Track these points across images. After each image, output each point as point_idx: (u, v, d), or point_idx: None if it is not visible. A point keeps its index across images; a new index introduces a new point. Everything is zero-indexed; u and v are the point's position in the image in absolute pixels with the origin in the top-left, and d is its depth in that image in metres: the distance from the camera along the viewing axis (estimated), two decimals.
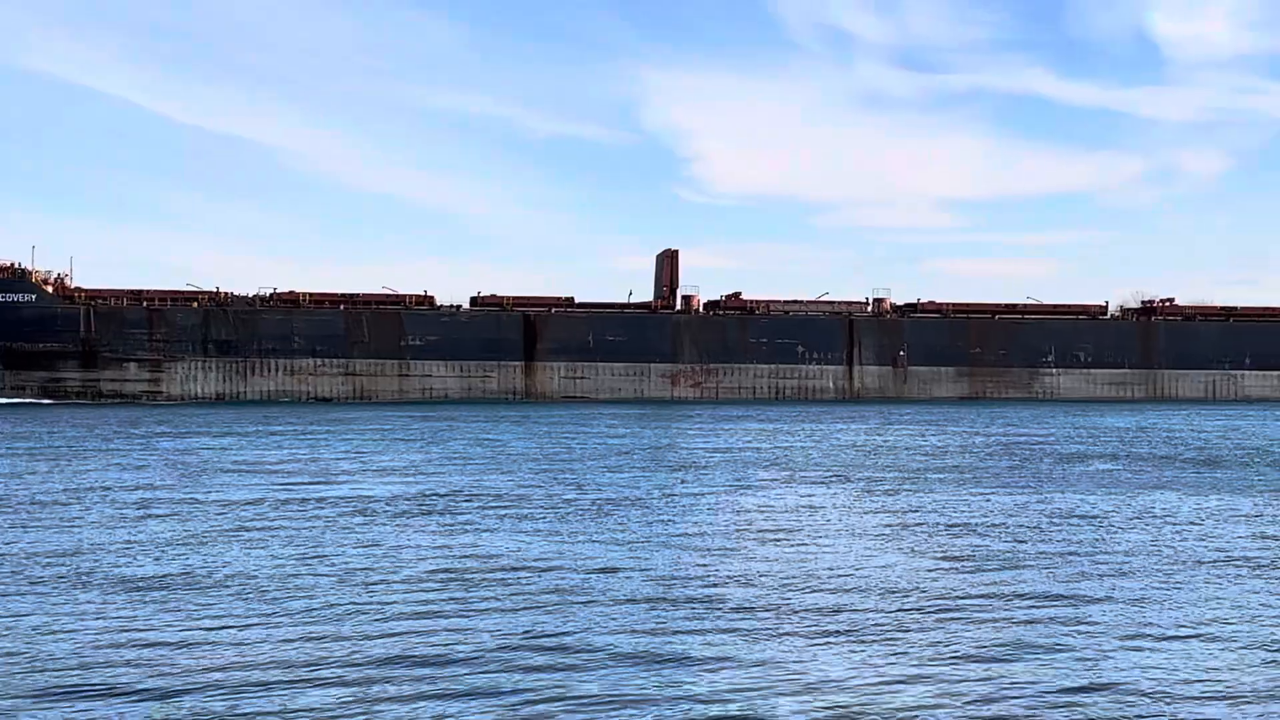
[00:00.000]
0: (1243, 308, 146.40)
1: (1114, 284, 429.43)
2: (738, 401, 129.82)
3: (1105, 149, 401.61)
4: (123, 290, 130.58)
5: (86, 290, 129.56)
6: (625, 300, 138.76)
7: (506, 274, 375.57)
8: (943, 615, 24.89)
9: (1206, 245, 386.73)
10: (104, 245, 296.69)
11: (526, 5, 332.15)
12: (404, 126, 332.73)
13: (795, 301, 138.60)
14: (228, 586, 27.35)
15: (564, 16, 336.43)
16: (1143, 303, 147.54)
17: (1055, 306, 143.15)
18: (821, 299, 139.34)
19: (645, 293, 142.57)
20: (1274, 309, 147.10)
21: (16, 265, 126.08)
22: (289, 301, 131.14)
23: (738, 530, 36.34)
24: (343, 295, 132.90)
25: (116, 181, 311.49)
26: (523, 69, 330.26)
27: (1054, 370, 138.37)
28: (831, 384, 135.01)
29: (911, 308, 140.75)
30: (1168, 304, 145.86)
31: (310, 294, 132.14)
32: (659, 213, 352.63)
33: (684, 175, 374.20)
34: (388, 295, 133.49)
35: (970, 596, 26.87)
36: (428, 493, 45.26)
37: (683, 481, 49.94)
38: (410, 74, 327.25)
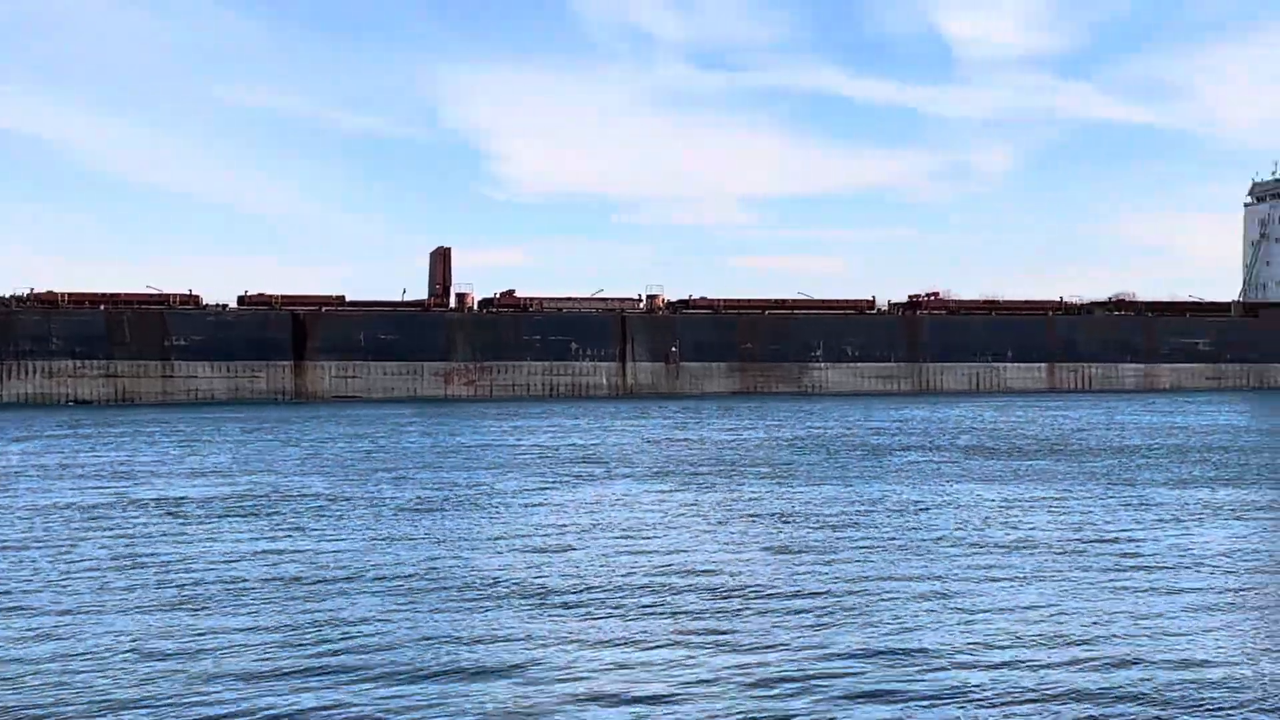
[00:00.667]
0: (1005, 301, 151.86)
1: (909, 280, 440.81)
2: (512, 399, 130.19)
3: (900, 147, 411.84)
4: None
5: None
6: (399, 299, 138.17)
7: (306, 273, 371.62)
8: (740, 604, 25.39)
9: (998, 241, 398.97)
10: None
11: (326, 1, 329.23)
12: (199, 122, 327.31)
13: (569, 299, 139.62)
14: None
15: (364, 13, 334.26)
16: (910, 297, 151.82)
17: (824, 302, 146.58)
18: (595, 296, 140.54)
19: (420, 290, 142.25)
20: (1034, 302, 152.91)
21: None
22: (46, 302, 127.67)
23: (546, 528, 36.75)
24: (104, 295, 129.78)
25: None
26: (322, 66, 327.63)
27: (822, 364, 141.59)
28: (605, 380, 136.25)
29: (684, 304, 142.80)
30: (933, 298, 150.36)
31: (70, 294, 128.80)
32: (462, 210, 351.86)
33: (486, 173, 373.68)
34: (151, 295, 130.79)
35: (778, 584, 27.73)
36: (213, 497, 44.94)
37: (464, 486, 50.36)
38: (207, 69, 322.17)
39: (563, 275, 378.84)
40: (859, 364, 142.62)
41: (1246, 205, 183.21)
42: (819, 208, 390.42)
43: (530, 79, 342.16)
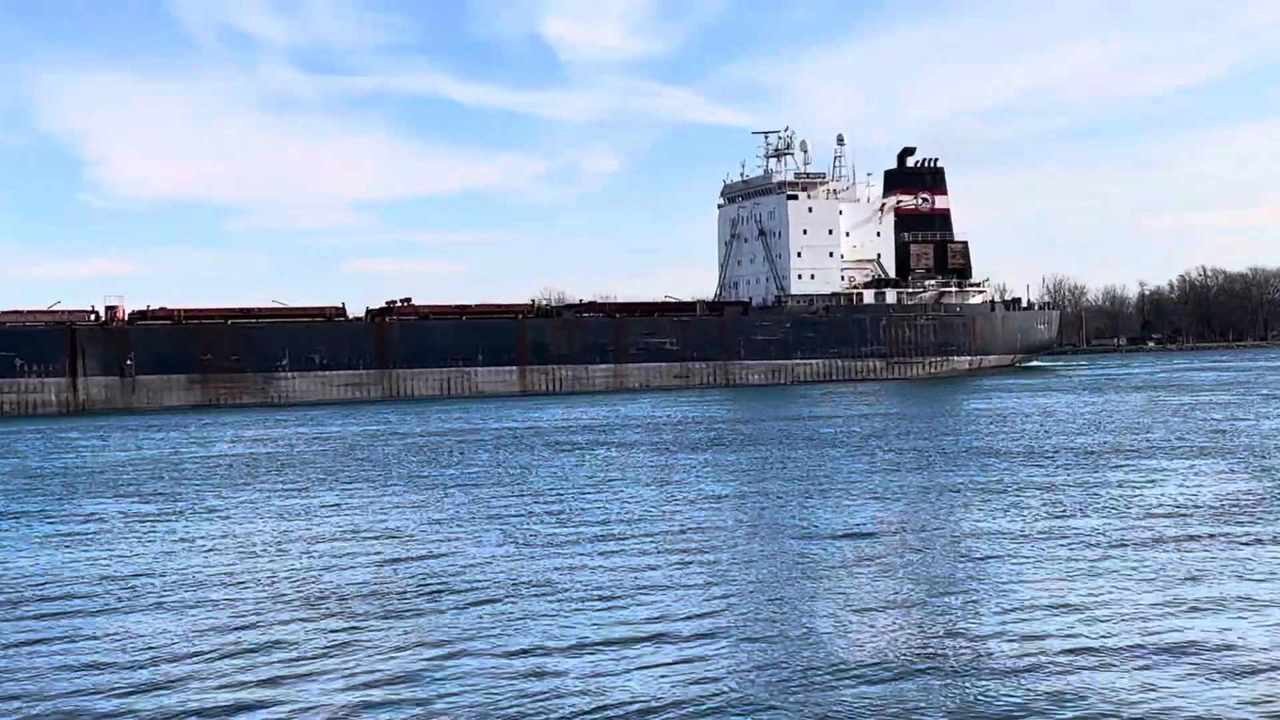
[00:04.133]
0: (475, 306, 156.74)
1: (524, 282, 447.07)
2: None
3: (510, 150, 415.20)
4: None
5: None
6: None
7: None
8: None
9: (606, 241, 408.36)
10: None
11: None
12: None
13: (13, 312, 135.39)
14: None
15: None
16: (386, 303, 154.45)
17: (291, 309, 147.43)
18: (44, 310, 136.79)
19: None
20: (503, 306, 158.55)
21: None
22: None
23: None
24: None
25: None
26: None
27: (289, 374, 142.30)
28: (54, 397, 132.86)
29: (141, 315, 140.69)
30: (405, 304, 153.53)
31: None
32: (61, 219, 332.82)
33: (85, 179, 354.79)
34: None
35: None
36: None
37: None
38: None
39: (179, 284, 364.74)
40: (327, 372, 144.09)
41: (720, 206, 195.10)
42: (429, 210, 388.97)
43: (128, 82, 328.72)
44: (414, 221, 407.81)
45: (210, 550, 37.61)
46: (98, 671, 23.51)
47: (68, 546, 39.09)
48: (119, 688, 22.30)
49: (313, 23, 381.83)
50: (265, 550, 37.26)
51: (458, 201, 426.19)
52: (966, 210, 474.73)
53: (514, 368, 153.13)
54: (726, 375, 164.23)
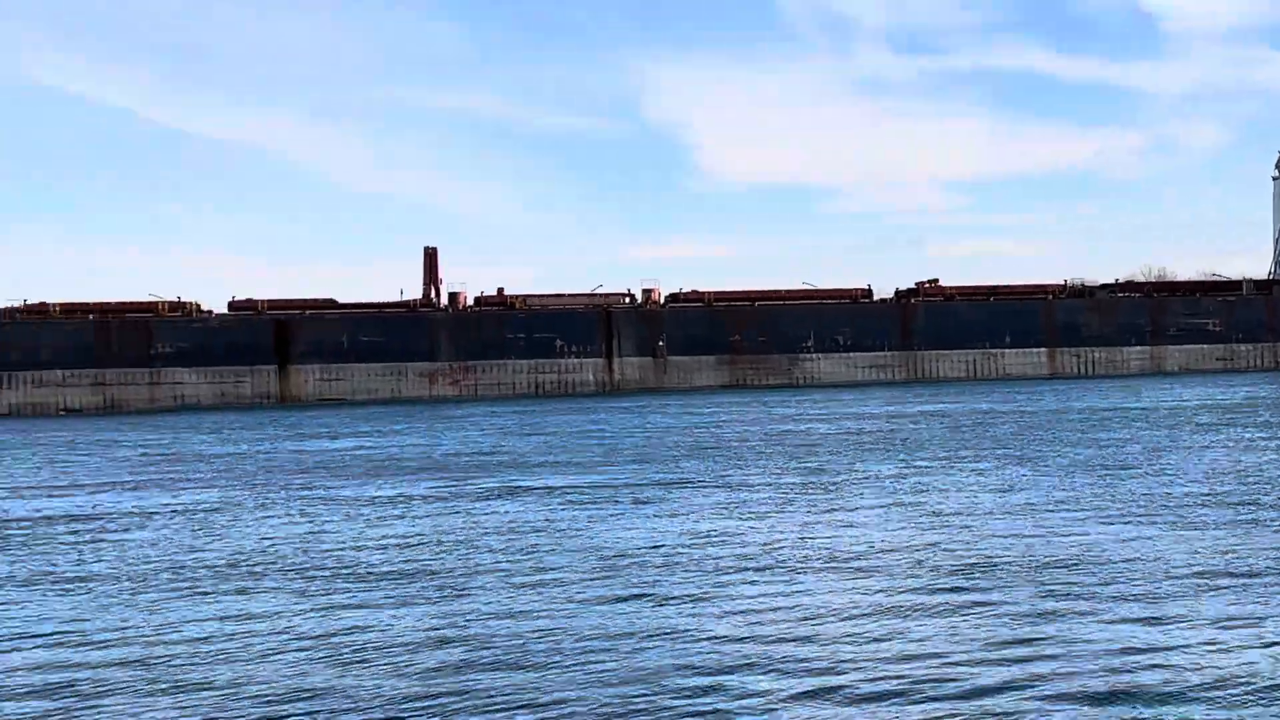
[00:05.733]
0: (1004, 287, 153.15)
1: (1116, 259, 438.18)
2: (497, 399, 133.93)
3: (1105, 124, 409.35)
4: None
5: None
6: (388, 300, 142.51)
7: (512, 272, 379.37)
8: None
9: (1203, 217, 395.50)
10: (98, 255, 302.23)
11: (523, 2, 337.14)
12: (401, 126, 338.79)
13: (555, 295, 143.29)
14: None
15: (562, 12, 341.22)
16: (915, 284, 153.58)
17: (816, 291, 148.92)
18: (583, 293, 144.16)
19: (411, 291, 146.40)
20: (1034, 286, 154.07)
21: None
22: (38, 312, 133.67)
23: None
24: (94, 304, 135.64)
25: (113, 190, 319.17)
26: (520, 65, 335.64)
27: (813, 355, 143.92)
28: (591, 377, 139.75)
29: (674, 297, 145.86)
30: (932, 285, 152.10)
31: (60, 304, 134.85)
32: (662, 204, 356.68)
33: (686, 166, 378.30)
34: (139, 304, 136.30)
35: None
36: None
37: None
38: (405, 73, 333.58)
39: (766, 268, 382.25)
40: (851, 354, 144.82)
41: (1275, 179, 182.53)
42: (1021, 189, 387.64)
43: (729, 71, 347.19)
44: (1000, 202, 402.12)
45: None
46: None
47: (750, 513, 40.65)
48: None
49: (909, 4, 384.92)
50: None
51: (1047, 179, 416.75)
52: None
53: (1042, 350, 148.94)
54: (1276, 358, 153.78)
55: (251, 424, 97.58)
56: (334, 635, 23.53)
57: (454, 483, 48.98)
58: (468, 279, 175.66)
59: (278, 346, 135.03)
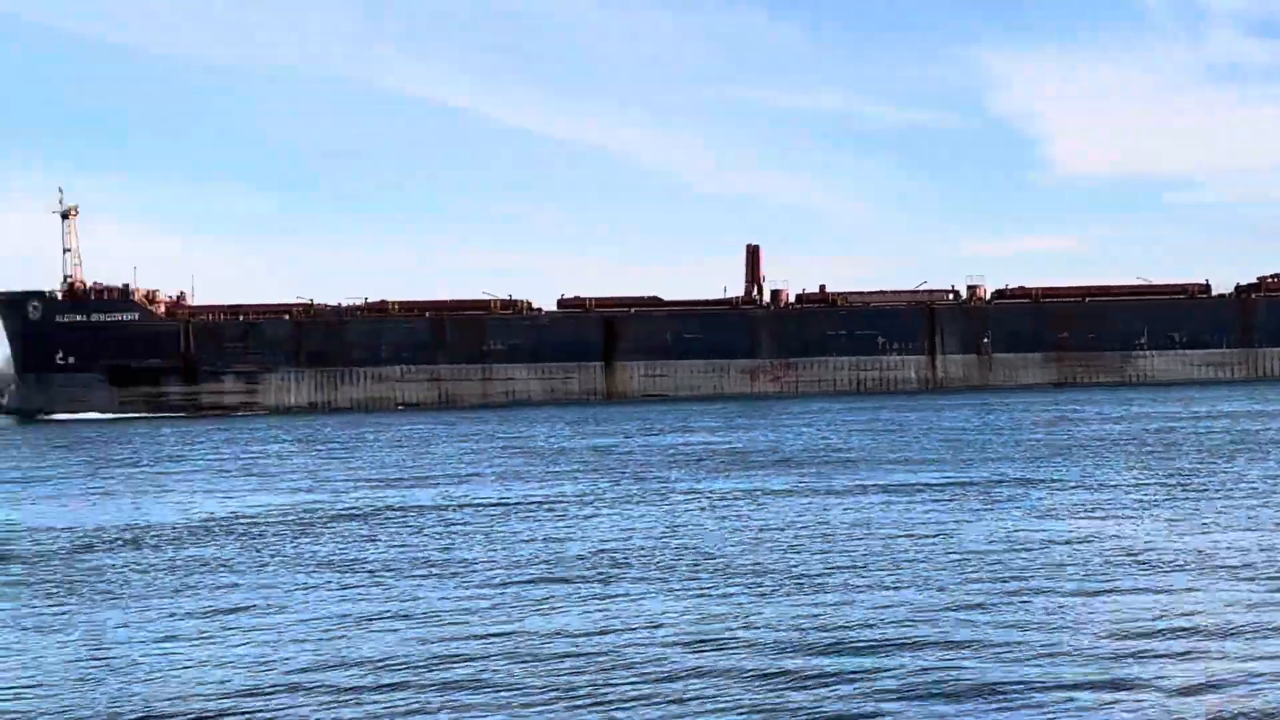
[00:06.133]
0: None
1: None
2: (818, 395, 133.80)
3: None
4: (222, 306, 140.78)
5: (190, 307, 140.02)
6: (711, 298, 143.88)
7: (837, 269, 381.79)
8: None
9: None
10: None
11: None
12: (740, 125, 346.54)
13: (878, 292, 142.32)
14: None
15: (900, 6, 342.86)
16: (1258, 279, 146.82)
17: (1151, 287, 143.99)
18: (906, 290, 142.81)
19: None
20: None
21: (122, 286, 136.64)
22: (377, 310, 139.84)
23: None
24: (430, 303, 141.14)
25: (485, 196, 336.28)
26: (861, 61, 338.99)
27: (1147, 352, 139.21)
28: (914, 374, 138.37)
29: (1000, 294, 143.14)
30: (1275, 280, 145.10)
31: (399, 302, 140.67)
32: (1004, 197, 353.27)
33: (1032, 158, 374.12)
34: (473, 301, 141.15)
35: None
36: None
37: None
38: (745, 73, 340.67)
39: (1104, 261, 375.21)
40: (1187, 351, 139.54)
41: None
42: None
43: (1078, 60, 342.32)
44: None
45: None
46: None
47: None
48: None
49: None
50: None
51: None
52: None
53: None
54: None
55: (592, 418, 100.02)
56: (698, 624, 23.74)
57: (811, 478, 49.15)
58: (790, 276, 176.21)
59: (605, 343, 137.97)
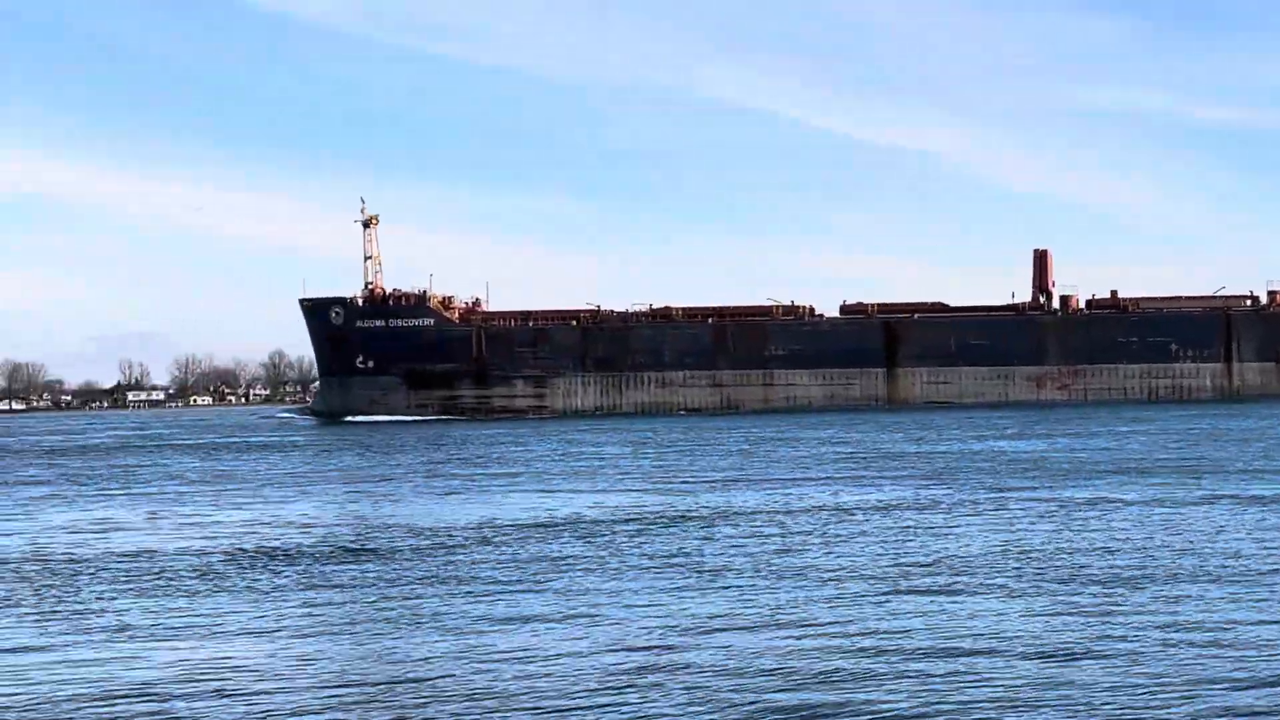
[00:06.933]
0: None
1: None
2: (1109, 403, 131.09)
3: None
4: (513, 312, 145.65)
5: (483, 313, 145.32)
6: (996, 304, 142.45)
7: (1133, 271, 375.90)
8: None
9: None
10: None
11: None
12: (1056, 126, 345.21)
13: (1171, 298, 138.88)
14: None
15: (1226, 2, 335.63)
16: None
17: None
18: (1201, 295, 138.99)
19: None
20: None
21: (419, 293, 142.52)
22: (662, 316, 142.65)
23: None
24: (713, 309, 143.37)
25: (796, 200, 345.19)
26: (1186, 59, 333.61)
27: None
28: (1208, 382, 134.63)
29: None
30: None
31: (682, 308, 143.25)
32: None
33: None
34: (755, 307, 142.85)
35: None
36: None
37: None
38: (1064, 72, 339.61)
39: None
40: None
41: None
42: None
43: None
44: None
45: None
46: None
47: None
48: None
49: None
50: None
51: None
52: None
53: None
54: None
55: (894, 425, 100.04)
56: (1041, 637, 23.81)
57: (1163, 486, 48.43)
58: (1079, 281, 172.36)
59: (887, 349, 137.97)
